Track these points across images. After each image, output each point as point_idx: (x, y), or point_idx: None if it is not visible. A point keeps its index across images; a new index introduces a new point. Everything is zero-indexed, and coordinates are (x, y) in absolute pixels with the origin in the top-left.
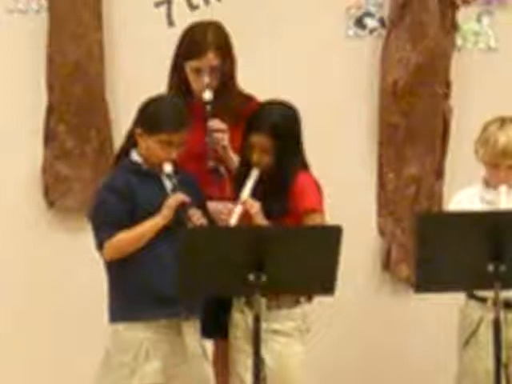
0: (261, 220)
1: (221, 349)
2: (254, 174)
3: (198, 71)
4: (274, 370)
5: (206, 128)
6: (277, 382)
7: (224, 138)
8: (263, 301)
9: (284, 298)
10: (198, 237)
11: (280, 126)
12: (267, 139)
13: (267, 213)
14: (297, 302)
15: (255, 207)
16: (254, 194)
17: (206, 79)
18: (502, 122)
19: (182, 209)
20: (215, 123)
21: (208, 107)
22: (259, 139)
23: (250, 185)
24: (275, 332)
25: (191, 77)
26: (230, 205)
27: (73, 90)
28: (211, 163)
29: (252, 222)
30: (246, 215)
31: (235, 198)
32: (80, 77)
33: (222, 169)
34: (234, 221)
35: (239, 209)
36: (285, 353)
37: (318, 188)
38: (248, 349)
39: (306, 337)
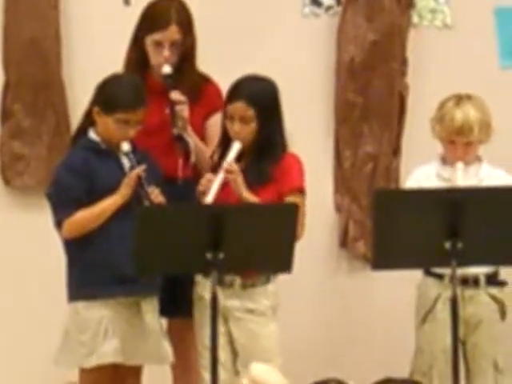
0: (242, 190)
1: (178, 326)
2: (236, 146)
3: (158, 45)
4: (249, 350)
5: (165, 101)
6: (252, 361)
7: (184, 110)
8: (237, 280)
9: (258, 276)
10: (154, 214)
11: (257, 94)
12: (245, 107)
13: (247, 181)
14: (268, 280)
15: (237, 175)
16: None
17: (166, 53)
18: (459, 99)
19: (140, 187)
20: (176, 94)
21: (168, 80)
22: (237, 108)
23: (232, 156)
24: (251, 311)
25: (151, 51)
26: (208, 175)
27: (29, 68)
28: (175, 131)
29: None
30: (227, 188)
31: (212, 171)
32: (36, 55)
33: (187, 136)
34: (213, 190)
35: (220, 177)
36: (261, 332)
37: (302, 169)
38: (219, 325)
39: (277, 314)
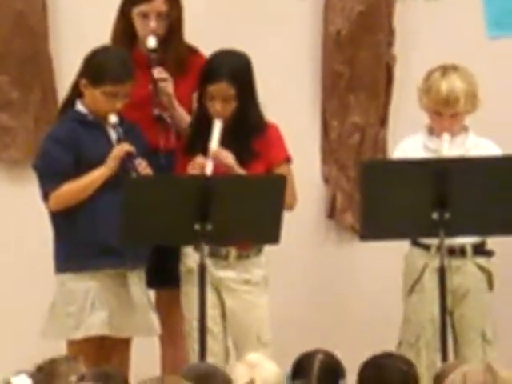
0: (237, 169)
1: (165, 298)
2: (218, 125)
3: (145, 16)
4: (243, 321)
5: (150, 76)
6: (247, 332)
7: (168, 86)
8: (232, 251)
9: (252, 247)
10: (142, 186)
11: (238, 72)
12: (227, 87)
13: (236, 160)
14: (260, 250)
15: (229, 157)
16: (221, 144)
17: (152, 24)
18: (445, 69)
19: (127, 159)
20: (159, 72)
21: (152, 55)
22: (220, 88)
23: (216, 136)
24: (246, 282)
25: (138, 23)
26: (199, 159)
27: (15, 41)
28: (156, 111)
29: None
30: (218, 167)
31: (189, 150)
32: (23, 28)
33: (167, 116)
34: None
35: (211, 164)
36: (255, 303)
37: (283, 137)
38: (211, 297)
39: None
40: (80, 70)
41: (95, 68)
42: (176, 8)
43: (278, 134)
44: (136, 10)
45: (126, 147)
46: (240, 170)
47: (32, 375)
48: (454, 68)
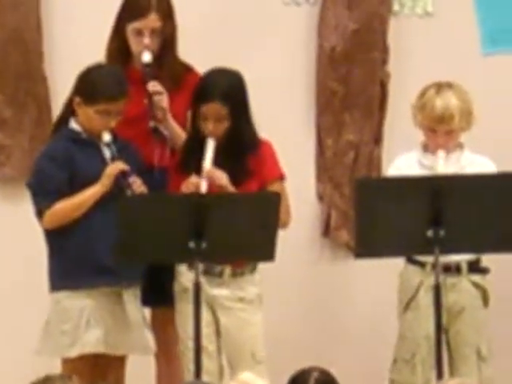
0: (230, 189)
1: (160, 316)
2: (211, 144)
3: (138, 33)
4: (237, 339)
5: (145, 90)
6: (241, 350)
7: (162, 100)
8: (227, 269)
9: (247, 264)
10: (137, 204)
11: (231, 92)
12: (220, 107)
13: (230, 179)
14: (254, 268)
15: (223, 178)
16: (215, 162)
17: (146, 40)
18: (439, 87)
19: (121, 177)
20: (154, 85)
21: (147, 69)
22: (212, 108)
23: (209, 156)
24: (240, 300)
25: (132, 39)
26: (194, 178)
27: (10, 59)
28: (151, 123)
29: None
30: (212, 186)
31: (183, 169)
32: (17, 45)
33: (163, 128)
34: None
35: (205, 184)
36: (249, 321)
37: (276, 154)
38: (205, 315)
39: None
40: (73, 87)
41: (88, 86)
42: (170, 24)
43: (271, 152)
44: (130, 27)
45: (120, 165)
46: (233, 190)
47: None
48: (449, 85)
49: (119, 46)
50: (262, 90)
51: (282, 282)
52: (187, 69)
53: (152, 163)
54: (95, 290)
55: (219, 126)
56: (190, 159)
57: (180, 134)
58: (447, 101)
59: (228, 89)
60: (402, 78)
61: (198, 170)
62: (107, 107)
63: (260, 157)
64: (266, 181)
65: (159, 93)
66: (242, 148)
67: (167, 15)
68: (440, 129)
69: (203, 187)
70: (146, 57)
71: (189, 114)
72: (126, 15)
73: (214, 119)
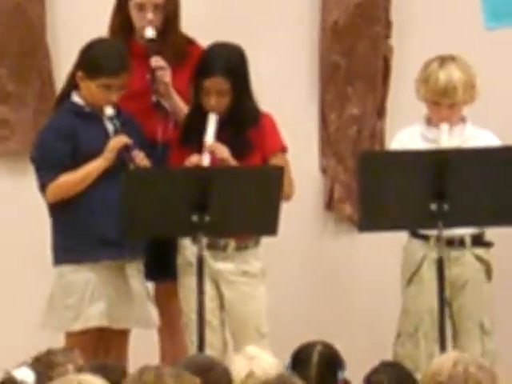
0: (232, 163)
1: (164, 290)
2: (213, 119)
3: (141, 8)
4: (241, 313)
5: (148, 65)
6: (246, 324)
7: (165, 75)
8: (231, 242)
9: (250, 238)
10: (140, 178)
11: (232, 66)
12: (222, 81)
13: (233, 153)
14: (258, 242)
15: (225, 152)
16: (216, 137)
17: (150, 15)
18: (443, 60)
19: (124, 150)
20: (157, 60)
21: (150, 44)
22: (214, 83)
23: (212, 130)
24: (244, 273)
25: (134, 14)
26: (195, 156)
27: (13, 33)
28: (154, 98)
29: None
30: (213, 160)
31: (184, 143)
32: (20, 20)
33: (165, 103)
34: None
35: (207, 158)
36: (253, 295)
37: (277, 126)
38: (209, 290)
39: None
40: (76, 61)
41: (91, 60)
42: (172, 0)
43: (272, 124)
44: (132, 2)
45: (123, 139)
46: (235, 164)
47: (31, 366)
48: (452, 58)
49: (122, 21)
50: (264, 64)
51: (285, 256)
52: (190, 42)
53: (155, 137)
54: (98, 264)
55: (221, 101)
56: (192, 133)
57: (183, 109)
58: (450, 74)
59: (230, 63)
60: (404, 52)
61: (199, 144)
62: (109, 81)
63: (261, 130)
64: (268, 153)
65: (162, 68)
66: (244, 122)
67: None
68: (443, 102)
69: (205, 161)
70: (149, 32)
71: (191, 88)
72: None
73: (216, 93)
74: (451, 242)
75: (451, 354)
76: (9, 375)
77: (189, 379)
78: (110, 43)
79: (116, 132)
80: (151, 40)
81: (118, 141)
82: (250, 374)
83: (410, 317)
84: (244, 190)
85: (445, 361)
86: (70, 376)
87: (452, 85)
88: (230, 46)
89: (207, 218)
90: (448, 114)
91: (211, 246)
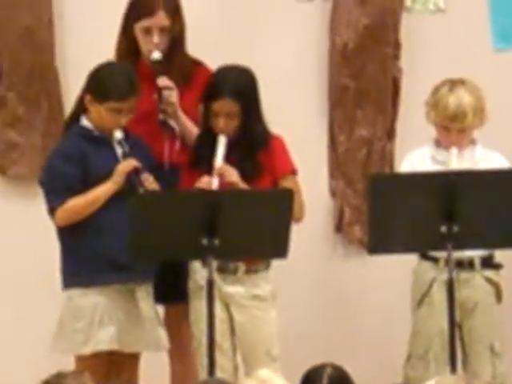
0: (242, 186)
1: (174, 313)
2: (223, 141)
3: (147, 32)
4: (252, 336)
5: (155, 86)
6: (256, 347)
7: (172, 95)
8: (241, 266)
9: (260, 262)
10: (149, 202)
11: (241, 89)
12: (231, 104)
13: (242, 176)
14: (268, 265)
15: (234, 174)
16: (226, 159)
17: (156, 39)
18: (452, 84)
19: (133, 174)
20: (163, 80)
21: (157, 66)
22: (223, 105)
23: (221, 152)
24: (255, 297)
25: (141, 38)
26: (206, 177)
27: (23, 57)
28: (161, 116)
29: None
30: (223, 183)
31: (195, 165)
32: (30, 43)
33: (172, 122)
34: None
35: (216, 180)
36: (264, 319)
37: (287, 148)
38: (220, 313)
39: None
40: (84, 85)
41: (99, 84)
42: (178, 22)
43: (282, 146)
44: (138, 26)
45: (132, 163)
46: (244, 187)
47: None
48: (462, 82)
49: (128, 44)
50: (275, 86)
51: (296, 279)
52: (196, 64)
53: (162, 158)
54: (108, 287)
55: (230, 123)
56: (202, 156)
57: (191, 129)
58: (460, 99)
59: (239, 86)
60: (414, 73)
61: (209, 166)
62: (118, 105)
63: (271, 152)
64: (279, 176)
65: (169, 88)
66: (253, 144)
67: (175, 13)
68: (453, 127)
69: (215, 184)
70: (156, 54)
71: (200, 110)
72: (133, 14)
73: (226, 116)
74: (461, 264)
75: (460, 376)
76: None
77: None
78: (119, 67)
79: (125, 155)
80: (158, 62)
81: (126, 165)
82: None
83: (420, 339)
84: (254, 213)
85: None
86: None
87: (462, 110)
88: (239, 69)
89: (217, 242)
90: (458, 138)
91: (221, 270)
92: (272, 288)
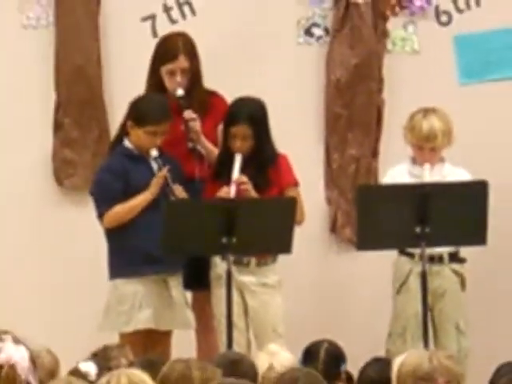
0: (254, 195)
1: (199, 298)
2: (239, 158)
3: (171, 73)
4: (262, 316)
5: (182, 118)
6: (265, 325)
7: (196, 125)
8: (253, 260)
9: (269, 256)
10: (179, 208)
11: (254, 116)
12: (247, 128)
13: (255, 187)
14: (275, 259)
15: (248, 185)
16: (241, 173)
17: (179, 78)
18: (425, 111)
19: (166, 185)
20: (189, 113)
21: (182, 101)
22: (240, 130)
23: (237, 168)
24: (264, 285)
25: (166, 78)
26: (225, 188)
27: (76, 90)
28: (190, 145)
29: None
30: (239, 191)
31: (216, 178)
32: (82, 78)
33: (199, 147)
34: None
35: (233, 189)
36: (271, 302)
37: (291, 165)
38: (236, 298)
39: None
40: (126, 113)
41: (139, 112)
42: (195, 62)
43: (287, 163)
44: (164, 69)
45: (164, 172)
46: (256, 196)
47: (92, 360)
48: (433, 110)
49: (155, 82)
50: (281, 114)
51: (298, 271)
52: (212, 94)
53: (193, 175)
54: (145, 278)
55: (245, 144)
56: (222, 170)
57: (212, 150)
58: (432, 123)
59: (252, 114)
60: (394, 103)
61: (228, 179)
62: (154, 129)
63: (278, 168)
64: (284, 187)
65: (193, 119)
66: (264, 161)
67: (193, 55)
68: (426, 147)
69: (232, 192)
70: (180, 92)
71: (220, 134)
72: (159, 59)
73: (241, 138)
74: (432, 259)
75: (421, 352)
76: (75, 368)
77: (212, 370)
78: (155, 97)
79: (159, 170)
80: (182, 97)
81: (161, 176)
82: (271, 367)
83: (399, 320)
84: (264, 217)
85: (418, 357)
86: (123, 370)
87: (433, 133)
88: (252, 99)
89: (234, 240)
90: (430, 156)
91: (236, 263)
92: (278, 278)
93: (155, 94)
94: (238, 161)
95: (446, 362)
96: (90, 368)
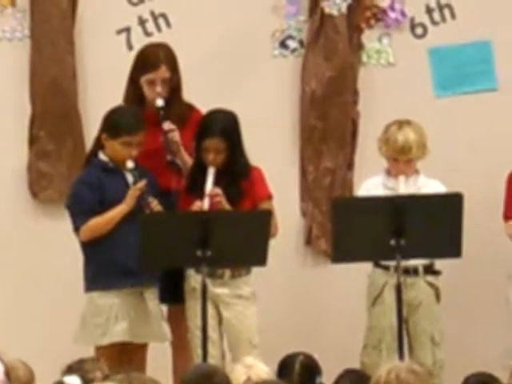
0: (227, 207)
1: (175, 312)
2: (212, 171)
3: (151, 83)
4: (237, 328)
5: (160, 129)
6: (240, 337)
7: (175, 135)
8: (227, 272)
9: (243, 268)
10: (154, 220)
11: (227, 129)
12: (219, 141)
13: (228, 199)
14: (249, 270)
15: (221, 197)
16: (215, 186)
17: (158, 89)
18: (400, 124)
19: (141, 197)
20: (168, 125)
21: (161, 112)
22: (212, 143)
23: (210, 181)
24: (239, 297)
25: (146, 88)
26: (198, 202)
27: (52, 102)
28: (168, 157)
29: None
30: (212, 204)
31: (190, 191)
32: (57, 92)
33: (178, 161)
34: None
35: (207, 202)
36: (246, 314)
37: (265, 177)
38: (210, 310)
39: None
40: (100, 126)
41: (112, 124)
42: (176, 74)
43: (260, 175)
44: (144, 78)
45: (140, 185)
46: (229, 207)
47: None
48: (408, 122)
49: (134, 92)
50: (255, 126)
51: (272, 283)
52: (190, 108)
53: (169, 188)
54: (121, 290)
55: (218, 157)
56: (195, 184)
57: (189, 161)
58: (406, 136)
59: (225, 126)
60: (369, 116)
61: (201, 192)
62: (128, 139)
63: (252, 180)
64: (257, 200)
65: (172, 130)
66: (237, 174)
67: (174, 67)
68: (401, 159)
69: (205, 206)
70: (160, 102)
71: (193, 146)
72: (140, 68)
73: (214, 151)
74: (407, 271)
75: (388, 365)
76: (60, 381)
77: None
78: (127, 108)
79: (135, 182)
80: (161, 108)
81: (137, 188)
82: (248, 379)
83: (374, 332)
84: (239, 230)
85: (382, 370)
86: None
87: (408, 145)
88: (224, 112)
89: (209, 253)
90: (404, 168)
91: (211, 275)
92: (252, 289)
93: (127, 106)
94: (211, 174)
95: (405, 375)
96: (75, 382)
